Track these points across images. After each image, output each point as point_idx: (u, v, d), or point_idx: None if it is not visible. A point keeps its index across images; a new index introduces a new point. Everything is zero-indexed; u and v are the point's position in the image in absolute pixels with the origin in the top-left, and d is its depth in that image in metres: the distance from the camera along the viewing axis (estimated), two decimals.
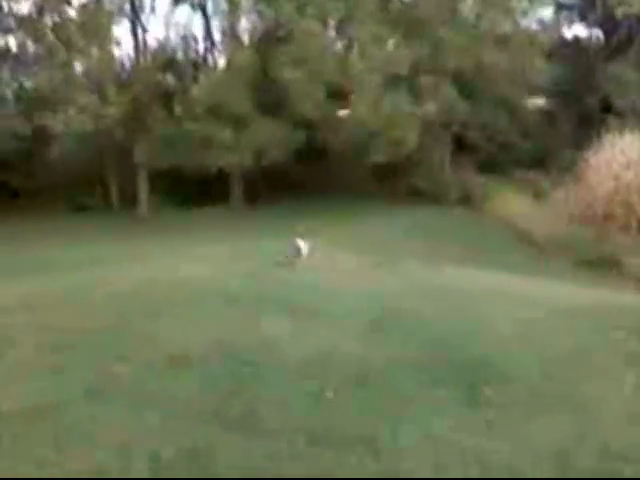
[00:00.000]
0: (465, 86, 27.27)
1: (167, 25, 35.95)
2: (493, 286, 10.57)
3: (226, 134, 24.19)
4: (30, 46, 29.94)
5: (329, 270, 11.82)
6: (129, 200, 29.05)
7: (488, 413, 4.82)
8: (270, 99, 25.10)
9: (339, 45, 27.57)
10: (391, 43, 25.82)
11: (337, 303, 8.31)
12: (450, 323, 7.24)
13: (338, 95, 24.35)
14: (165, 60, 29.61)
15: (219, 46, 30.96)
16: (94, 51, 26.85)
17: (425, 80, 25.25)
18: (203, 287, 9.29)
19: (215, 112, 24.41)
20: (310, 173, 30.67)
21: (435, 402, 5.02)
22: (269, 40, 26.63)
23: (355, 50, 24.73)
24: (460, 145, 29.47)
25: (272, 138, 24.50)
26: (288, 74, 23.54)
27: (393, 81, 24.42)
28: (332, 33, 27.69)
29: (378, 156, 24.34)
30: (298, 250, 11.97)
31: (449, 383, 5.36)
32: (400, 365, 5.73)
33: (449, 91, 25.63)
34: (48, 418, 4.58)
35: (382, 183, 29.33)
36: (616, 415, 4.89)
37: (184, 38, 31.90)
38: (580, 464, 4.14)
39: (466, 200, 25.38)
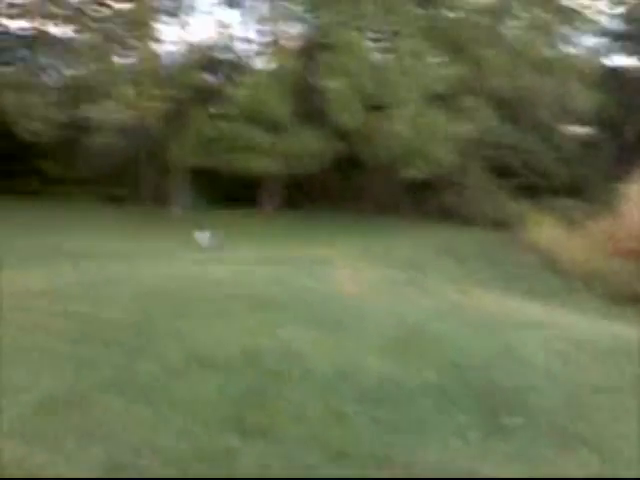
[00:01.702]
0: (505, 109, 27.10)
1: (211, 24, 36.15)
2: (523, 314, 10.39)
3: (262, 138, 24.25)
4: (76, 36, 30.48)
5: (355, 283, 11.74)
6: (161, 196, 29.26)
7: (508, 444, 4.68)
8: (308, 107, 25.15)
9: (380, 58, 27.46)
10: (433, 60, 25.69)
11: (361, 317, 8.21)
12: (476, 348, 7.09)
13: (376, 108, 24.28)
14: (207, 59, 29.76)
15: (261, 49, 31.05)
16: (137, 45, 27.14)
17: (465, 100, 25.12)
18: (229, 290, 9.25)
19: (253, 115, 24.49)
20: (342, 184, 30.66)
21: (454, 427, 4.87)
22: (312, 47, 26.68)
23: (396, 64, 24.58)
24: (496, 168, 29.22)
25: (307, 146, 24.51)
26: (328, 83, 23.56)
27: (432, 98, 24.31)
28: (374, 45, 27.65)
29: (413, 172, 24.20)
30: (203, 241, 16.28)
31: (470, 409, 5.21)
32: (421, 386, 5.60)
33: (488, 113, 25.45)
34: (68, 411, 4.54)
35: (414, 200, 29.22)
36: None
37: (227, 38, 32.07)
38: None
39: (499, 224, 25.06)
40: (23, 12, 31.30)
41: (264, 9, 28.47)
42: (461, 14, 27.23)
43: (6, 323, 6.70)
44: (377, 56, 26.94)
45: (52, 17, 30.58)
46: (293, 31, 28.57)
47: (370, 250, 18.56)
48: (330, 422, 4.73)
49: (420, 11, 26.29)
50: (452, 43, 25.65)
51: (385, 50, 26.80)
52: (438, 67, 24.90)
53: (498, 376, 6.08)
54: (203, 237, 18.66)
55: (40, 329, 6.52)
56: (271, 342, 6.53)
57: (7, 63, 28.75)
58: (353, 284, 11.61)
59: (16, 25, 32.46)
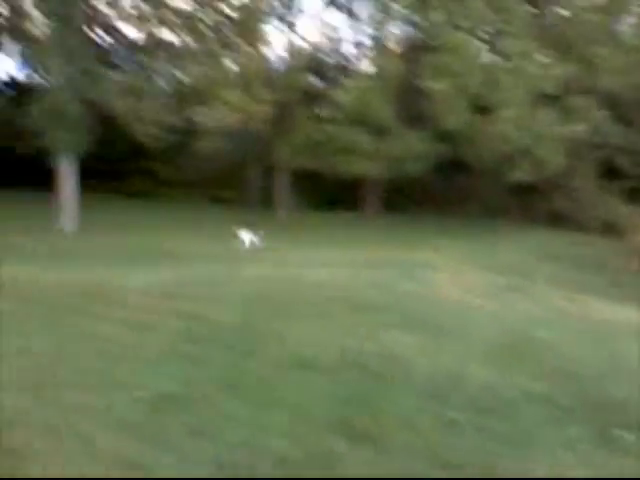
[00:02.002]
0: (617, 109, 26.04)
1: (317, 27, 36.49)
2: (632, 323, 9.98)
3: (366, 141, 24.30)
4: (187, 41, 31.45)
5: (458, 288, 11.58)
6: (266, 199, 29.79)
7: (622, 459, 4.50)
8: (413, 109, 24.99)
9: (488, 58, 26.94)
10: (541, 59, 24.98)
11: (465, 322, 8.13)
12: (586, 357, 6.87)
13: (482, 109, 23.86)
14: (313, 62, 30.06)
15: (366, 51, 31.08)
16: (246, 49, 27.72)
17: (575, 100, 24.31)
18: (329, 292, 9.34)
19: (357, 118, 24.56)
20: (447, 187, 30.33)
21: (563, 440, 4.72)
22: (417, 49, 26.48)
23: (503, 64, 24.06)
24: (606, 170, 28.10)
25: (412, 149, 24.38)
26: (433, 85, 23.32)
27: (540, 98, 23.66)
28: (482, 46, 27.16)
29: (520, 175, 23.65)
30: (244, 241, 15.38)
31: (580, 421, 5.03)
32: (529, 396, 5.48)
33: (599, 112, 24.53)
34: (179, 409, 4.68)
35: (521, 203, 28.54)
36: None
37: (332, 41, 32.30)
38: None
39: (609, 229, 24.10)
40: (137, 19, 32.69)
41: (370, 11, 28.46)
42: (571, 12, 26.36)
43: (119, 321, 7.00)
44: (484, 56, 26.41)
45: (165, 23, 31.78)
46: (398, 33, 28.48)
47: (474, 254, 18.26)
48: (437, 430, 4.68)
49: (529, 10, 25.63)
50: (561, 42, 24.88)
51: (492, 50, 26.26)
52: (547, 67, 24.20)
53: (611, 387, 5.84)
54: (245, 236, 18.15)
55: (150, 328, 6.77)
56: (374, 345, 6.55)
57: (122, 69, 29.91)
58: (456, 288, 11.47)
59: (130, 32, 33.87)
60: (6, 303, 7.61)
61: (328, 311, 8.05)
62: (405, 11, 27.04)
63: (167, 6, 28.88)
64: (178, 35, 31.89)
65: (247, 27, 26.81)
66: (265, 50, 28.65)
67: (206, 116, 24.86)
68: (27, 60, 31.97)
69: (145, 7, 30.51)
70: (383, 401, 5.09)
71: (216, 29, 27.98)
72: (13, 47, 32.51)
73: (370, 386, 5.36)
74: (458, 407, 5.07)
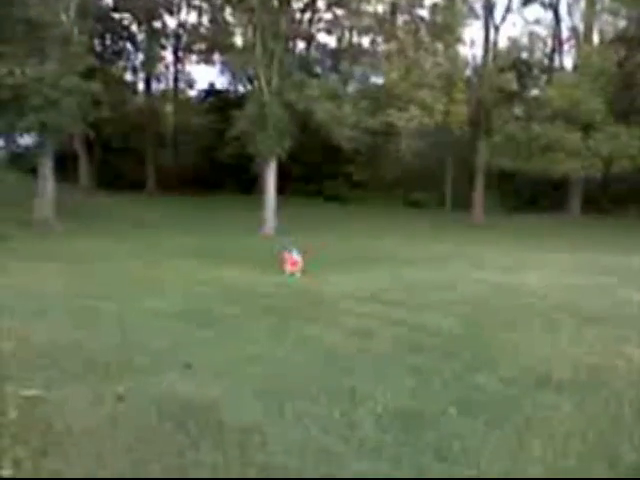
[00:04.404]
0: None
1: (517, 25, 35.33)
2: None
3: (575, 138, 22.98)
4: (381, 44, 31.60)
5: None
6: (462, 201, 29.08)
7: None
8: (625, 104, 23.33)
9: None
10: None
11: None
12: None
13: None
14: (512, 60, 29.04)
15: (567, 47, 29.70)
16: (442, 50, 27.32)
17: None
18: (551, 301, 8.72)
19: (564, 115, 23.32)
20: None
21: None
22: (626, 40, 24.76)
23: None
24: None
25: (624, 146, 22.71)
26: None
27: None
28: None
29: None
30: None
31: None
32: None
33: None
34: (417, 426, 4.31)
35: None
36: None
37: (532, 38, 31.12)
38: None
39: None
40: (332, 26, 33.35)
41: (576, 5, 27.13)
42: None
43: (336, 328, 6.85)
44: None
45: (359, 28, 32.17)
46: (606, 25, 26.83)
47: None
48: None
49: None
50: None
51: None
52: None
53: None
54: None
55: (368, 335, 6.55)
56: (616, 362, 5.89)
57: (318, 75, 30.58)
58: None
59: (328, 39, 34.72)
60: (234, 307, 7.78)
61: (555, 322, 7.44)
62: (615, 4, 25.39)
63: (362, 12, 29.19)
64: (374, 39, 32.25)
65: (444, 29, 26.41)
66: (463, 50, 28.11)
67: (402, 118, 24.69)
68: (231, 69, 33.71)
69: (341, 13, 31.12)
70: None
71: (412, 31, 27.85)
72: (216, 57, 34.57)
73: (627, 412, 4.70)
74: None
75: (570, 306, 8.40)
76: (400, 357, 5.85)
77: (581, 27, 28.19)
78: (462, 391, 5.01)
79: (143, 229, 20.28)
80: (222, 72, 36.59)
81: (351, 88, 31.18)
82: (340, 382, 5.10)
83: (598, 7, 26.60)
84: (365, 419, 4.36)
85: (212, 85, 38.05)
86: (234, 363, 5.54)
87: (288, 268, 11.86)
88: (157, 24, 32.80)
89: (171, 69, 37.34)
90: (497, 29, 28.61)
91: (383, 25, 29.21)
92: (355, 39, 34.57)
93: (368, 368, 5.54)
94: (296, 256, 12.09)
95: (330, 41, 36.14)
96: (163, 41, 34.24)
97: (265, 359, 5.66)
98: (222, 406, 4.44)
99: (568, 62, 30.04)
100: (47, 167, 19.72)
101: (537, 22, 30.86)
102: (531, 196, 29.37)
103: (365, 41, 33.73)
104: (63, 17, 19.29)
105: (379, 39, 31.77)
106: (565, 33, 30.17)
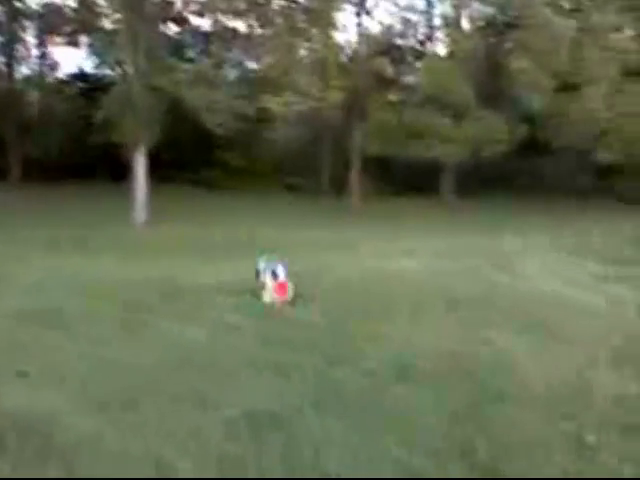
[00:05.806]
0: None
1: (390, 10, 35.58)
2: None
3: (444, 124, 23.42)
4: (257, 29, 31.08)
5: (554, 279, 10.66)
6: (338, 186, 29.17)
7: None
8: (493, 89, 23.98)
9: (571, 33, 25.63)
10: (632, 33, 23.60)
11: (574, 320, 7.28)
12: None
13: (568, 87, 22.65)
14: (386, 46, 29.27)
15: (439, 33, 30.21)
16: (317, 36, 27.15)
17: None
18: (420, 285, 8.70)
19: (434, 101, 23.72)
20: (527, 169, 29.11)
21: None
22: (494, 27, 25.46)
23: (591, 39, 22.73)
24: None
25: (493, 131, 23.36)
26: (514, 63, 22.26)
27: (631, 74, 22.33)
28: (564, 20, 25.85)
29: (607, 155, 22.37)
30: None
31: None
32: None
33: None
34: (273, 428, 4.01)
35: (607, 185, 27.06)
36: None
37: (405, 24, 31.43)
38: None
39: None
40: (205, 9, 32.52)
41: None
42: None
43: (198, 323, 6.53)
44: (571, 32, 25.13)
45: (233, 12, 31.51)
46: (475, 12, 27.43)
47: (560, 240, 17.08)
48: (573, 456, 3.86)
49: None
50: None
51: (580, 25, 24.93)
52: (635, 40, 22.85)
53: None
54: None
55: (230, 330, 6.24)
56: (478, 348, 5.83)
57: (191, 59, 29.80)
58: (552, 279, 10.56)
59: (199, 22, 33.78)
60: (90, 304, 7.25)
61: (418, 307, 7.36)
62: None
63: None
64: (248, 23, 31.67)
65: (319, 13, 26.23)
66: (338, 35, 28.04)
67: (277, 104, 24.38)
68: (98, 52, 32.25)
69: None
70: (503, 421, 4.26)
71: (286, 16, 27.50)
72: (83, 40, 32.94)
73: (484, 401, 4.58)
74: (590, 425, 4.24)
75: (440, 291, 8.43)
76: (261, 353, 5.58)
77: (452, 13, 28.70)
78: (322, 388, 4.79)
79: None
80: (89, 55, 34.91)
81: (228, 73, 30.52)
82: (193, 385, 4.78)
83: None
84: (213, 426, 4.06)
85: (81, 69, 36.30)
86: (78, 369, 5.10)
87: (272, 296, 7.65)
88: (18, 4, 30.90)
89: (35, 52, 35.29)
90: (369, 13, 28.75)
91: (258, 8, 28.66)
92: (231, 23, 33.85)
93: (224, 367, 5.25)
94: (282, 275, 7.87)
95: (204, 24, 35.20)
96: (25, 22, 32.28)
97: (113, 362, 5.23)
98: (54, 419, 4.03)
99: (441, 49, 30.58)
100: None
101: (410, 8, 31.12)
102: (408, 181, 29.78)
103: (241, 26, 33.09)
104: None
105: (255, 24, 31.19)
106: (437, 20, 30.67)
